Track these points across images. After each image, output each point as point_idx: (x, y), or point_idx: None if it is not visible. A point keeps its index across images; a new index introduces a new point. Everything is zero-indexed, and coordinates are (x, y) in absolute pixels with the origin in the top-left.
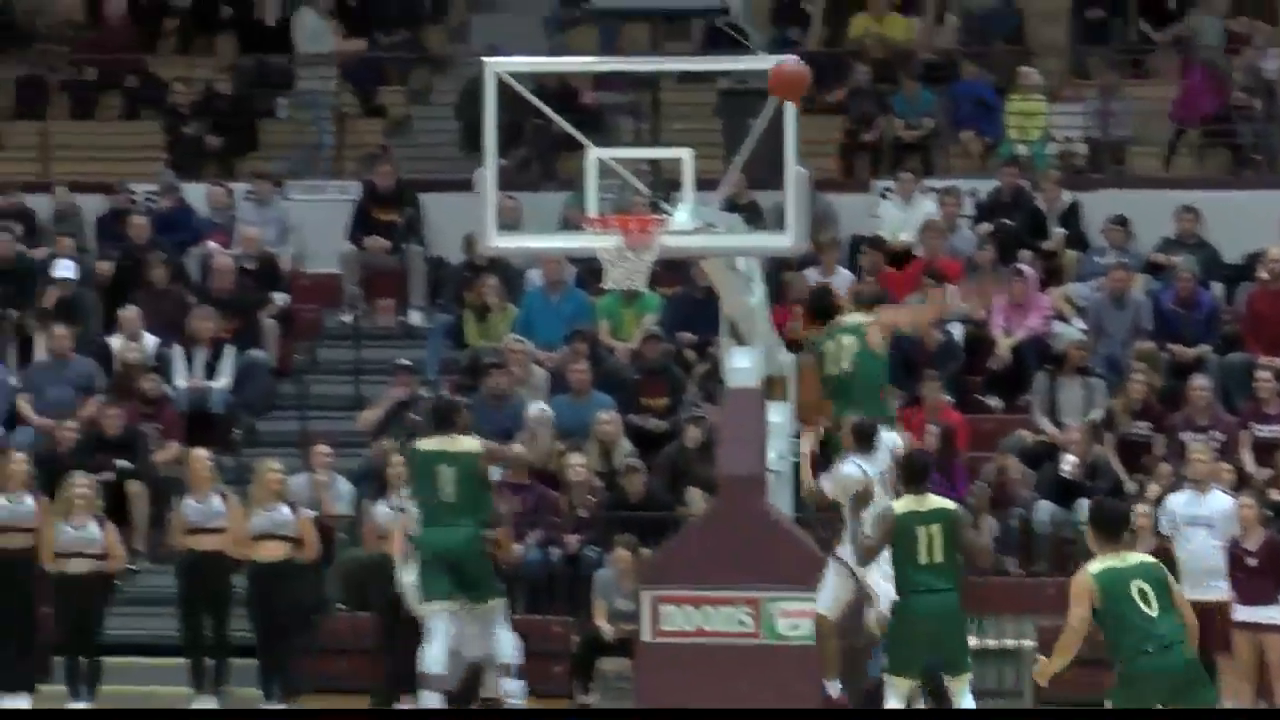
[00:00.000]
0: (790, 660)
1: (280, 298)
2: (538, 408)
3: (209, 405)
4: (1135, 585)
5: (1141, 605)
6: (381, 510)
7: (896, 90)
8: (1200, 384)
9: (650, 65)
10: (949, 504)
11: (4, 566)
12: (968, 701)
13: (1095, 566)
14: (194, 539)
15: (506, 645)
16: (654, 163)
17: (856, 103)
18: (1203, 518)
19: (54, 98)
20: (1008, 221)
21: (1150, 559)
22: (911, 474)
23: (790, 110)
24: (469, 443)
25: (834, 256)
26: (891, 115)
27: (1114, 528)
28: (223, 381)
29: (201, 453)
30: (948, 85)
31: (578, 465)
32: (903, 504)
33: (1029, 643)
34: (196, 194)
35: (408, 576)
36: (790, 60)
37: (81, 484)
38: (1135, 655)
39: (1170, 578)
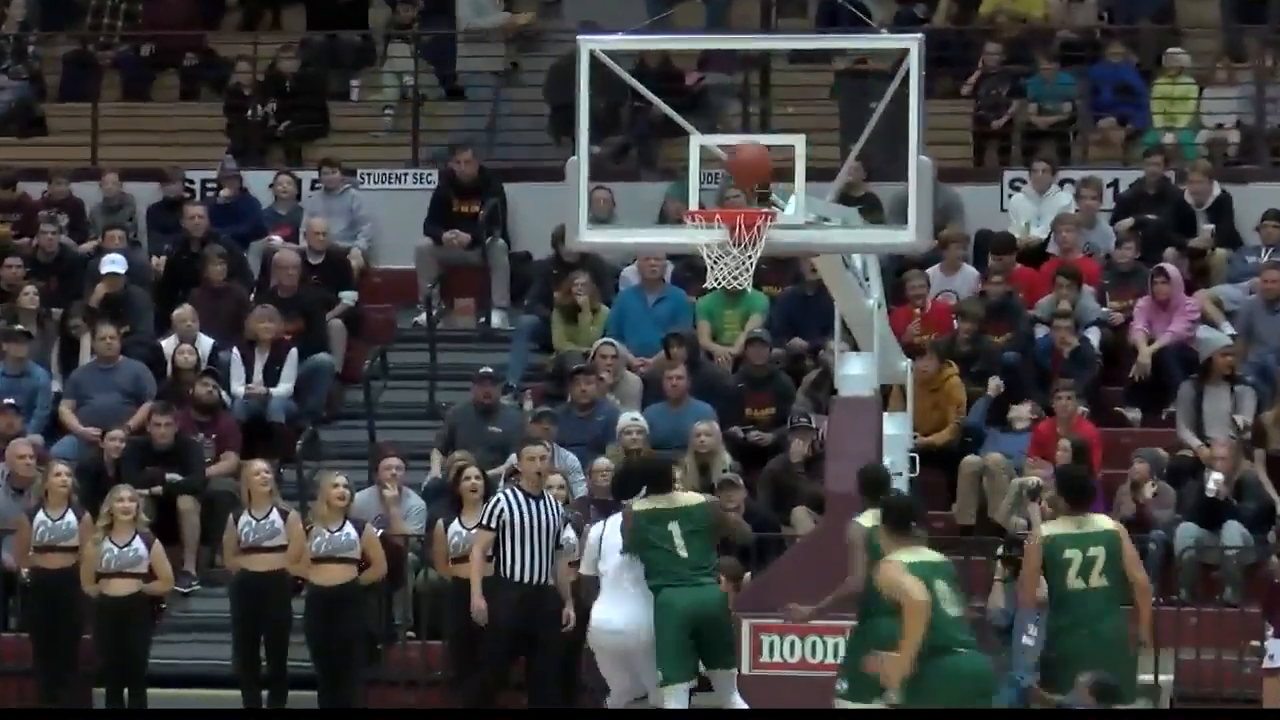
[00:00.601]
0: None
1: (348, 296)
2: (630, 418)
3: (268, 413)
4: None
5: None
6: (455, 530)
7: (1031, 72)
8: None
9: (761, 43)
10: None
11: (43, 589)
12: None
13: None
14: (249, 559)
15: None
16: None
17: (986, 86)
18: None
19: (105, 77)
20: (1151, 216)
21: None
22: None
23: (914, 94)
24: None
25: (958, 254)
26: (1025, 100)
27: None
28: (284, 387)
29: (259, 465)
30: (1087, 67)
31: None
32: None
33: (1167, 677)
34: (259, 183)
35: (480, 602)
36: (749, 147)
37: (127, 498)
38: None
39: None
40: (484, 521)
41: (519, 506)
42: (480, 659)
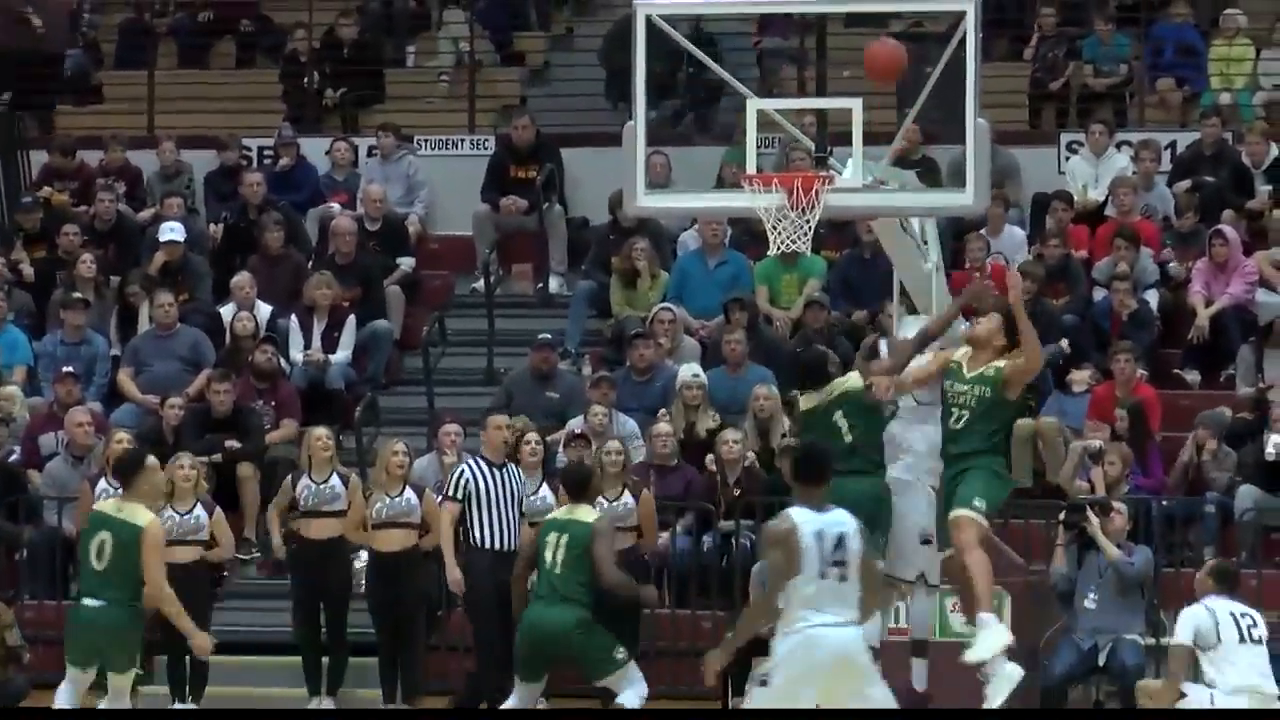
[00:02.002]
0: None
1: (406, 263)
2: (690, 372)
3: (327, 380)
4: None
5: None
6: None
7: (1088, 34)
8: None
9: (817, 6)
10: None
11: None
12: None
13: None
14: (308, 524)
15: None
16: (820, 114)
17: (1043, 48)
18: None
19: (161, 45)
20: (1209, 178)
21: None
22: None
23: (971, 56)
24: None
25: (1001, 215)
26: (1081, 62)
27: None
28: (343, 354)
29: (321, 430)
30: (1149, 28)
31: (732, 443)
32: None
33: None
34: (316, 149)
35: (455, 573)
36: (886, 41)
37: (188, 466)
38: None
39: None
40: (449, 493)
41: (483, 476)
42: (475, 628)
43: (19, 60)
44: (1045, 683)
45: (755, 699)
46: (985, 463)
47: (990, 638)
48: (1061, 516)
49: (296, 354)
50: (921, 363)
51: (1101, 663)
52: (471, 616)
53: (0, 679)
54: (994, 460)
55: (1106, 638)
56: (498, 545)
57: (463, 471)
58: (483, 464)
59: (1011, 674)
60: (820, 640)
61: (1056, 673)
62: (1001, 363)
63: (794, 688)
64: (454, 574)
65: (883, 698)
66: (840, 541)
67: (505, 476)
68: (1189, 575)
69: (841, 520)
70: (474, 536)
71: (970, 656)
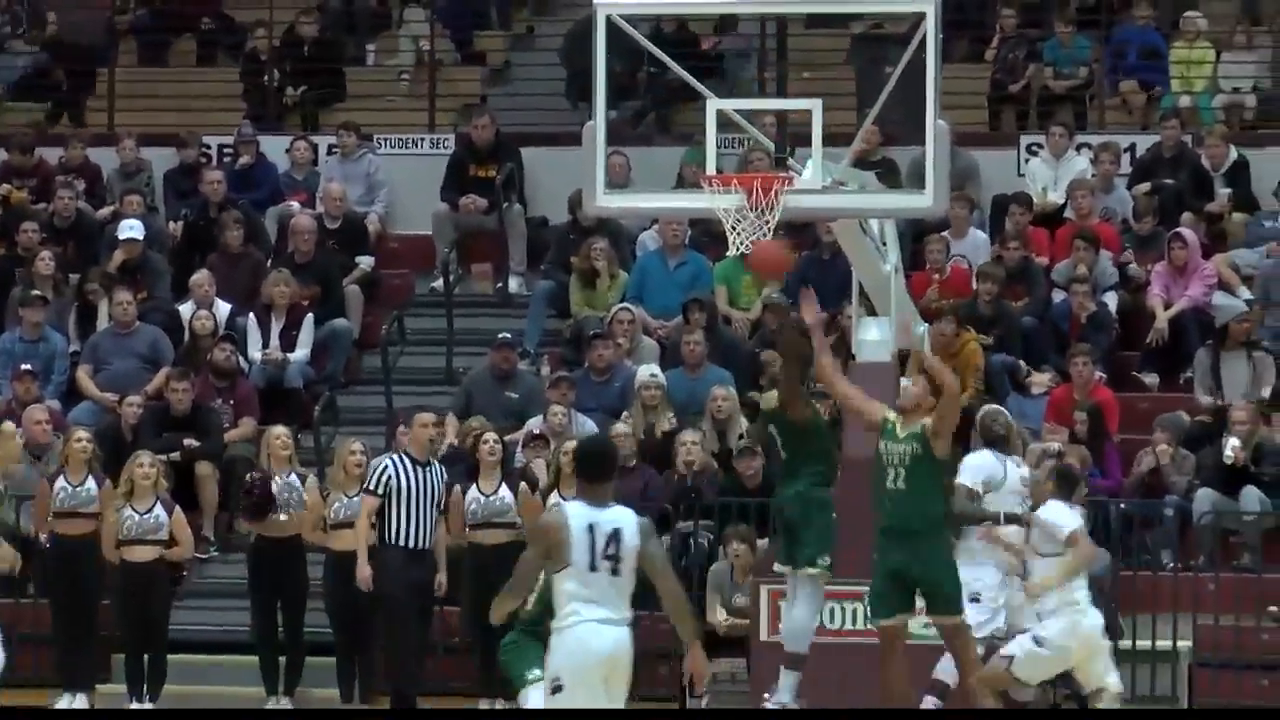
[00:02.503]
0: (925, 664)
1: (365, 261)
2: (649, 373)
3: (286, 379)
4: None
5: None
6: (473, 496)
7: (1049, 36)
8: None
9: (777, 7)
10: None
11: (64, 555)
12: None
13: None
14: (266, 525)
15: None
16: (780, 114)
17: (1004, 50)
18: None
19: (121, 42)
20: (1169, 181)
21: None
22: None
23: (931, 58)
24: None
25: (964, 216)
26: (1041, 64)
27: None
28: (301, 353)
29: (280, 430)
30: (1107, 30)
31: (690, 444)
32: None
33: (1185, 644)
34: (276, 148)
35: (365, 570)
36: (769, 243)
37: (147, 464)
38: None
39: None
40: (369, 487)
41: (406, 473)
42: (387, 626)
43: None
44: None
45: (533, 698)
46: (944, 544)
47: None
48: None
49: (255, 353)
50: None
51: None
52: (385, 614)
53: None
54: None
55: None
56: (412, 543)
57: (385, 467)
58: (406, 461)
59: None
60: (593, 635)
61: None
62: (928, 420)
63: (574, 688)
64: (364, 570)
65: (621, 696)
66: (615, 536)
67: (427, 475)
68: (1147, 579)
69: (619, 517)
70: (389, 533)
71: None
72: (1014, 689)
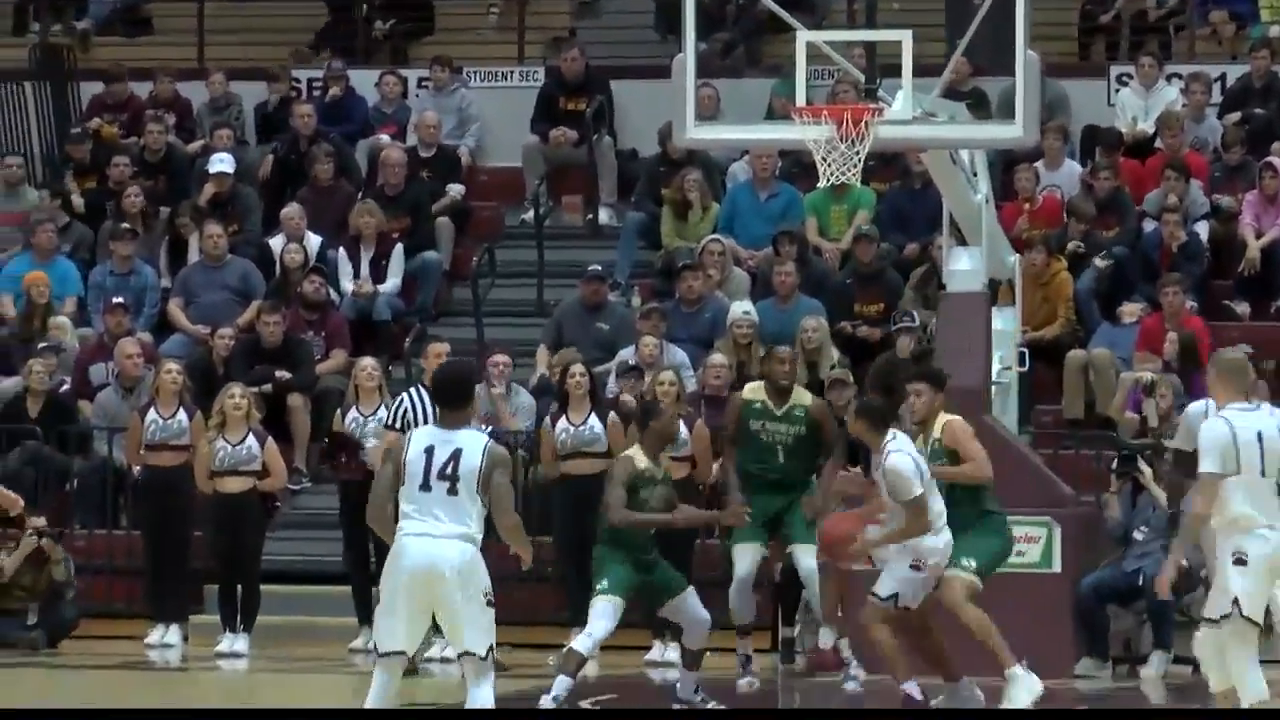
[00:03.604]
0: (1017, 587)
1: (455, 189)
2: (741, 309)
3: (374, 311)
4: None
5: None
6: (563, 427)
7: None
8: None
9: None
10: None
11: (156, 486)
12: None
13: None
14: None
15: None
16: (869, 46)
17: None
18: None
19: None
20: (1259, 110)
21: None
22: None
23: None
24: None
25: (1058, 147)
26: None
27: None
28: (391, 284)
29: (368, 361)
30: None
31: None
32: None
33: None
34: (365, 82)
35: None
36: (840, 519)
37: (239, 396)
38: None
39: None
40: (389, 422)
41: (423, 405)
42: None
43: None
44: (1081, 592)
45: (376, 615)
46: (975, 521)
47: (1024, 691)
48: (1114, 466)
49: (345, 284)
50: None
51: (1140, 583)
52: None
53: (47, 611)
54: (988, 519)
55: (1152, 561)
56: None
57: (401, 401)
58: (424, 393)
59: (1033, 687)
60: (407, 548)
61: (1089, 582)
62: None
63: (391, 599)
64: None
65: (461, 609)
66: (455, 457)
67: None
68: None
69: (463, 439)
70: None
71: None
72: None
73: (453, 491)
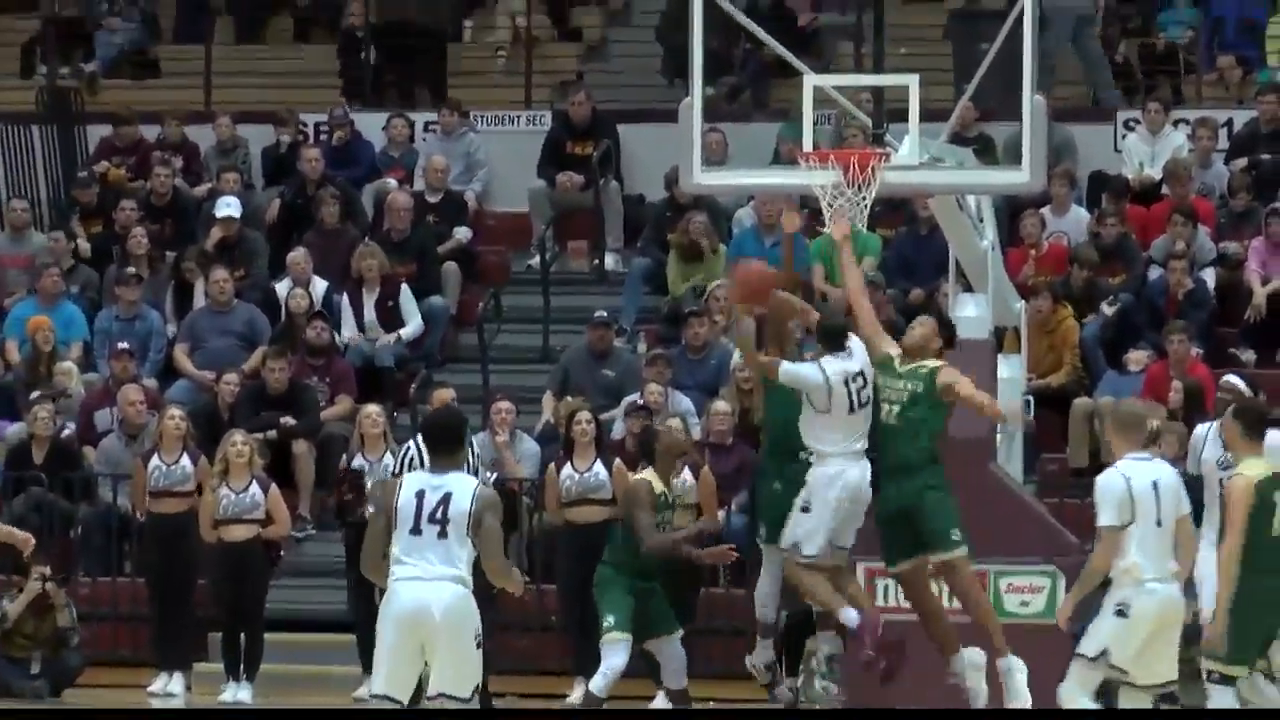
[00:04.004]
0: (1020, 640)
1: (462, 232)
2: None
3: (376, 358)
4: None
5: None
6: (568, 474)
7: (1164, 5)
8: None
9: None
10: None
11: (159, 533)
12: None
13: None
14: (363, 502)
15: None
16: (876, 91)
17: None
18: None
19: (218, 19)
20: (1266, 156)
21: None
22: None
23: (1028, 33)
24: None
25: (1064, 192)
26: (1155, 30)
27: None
28: (413, 326)
29: (373, 408)
30: (1207, 4)
31: None
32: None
33: None
34: (372, 126)
35: None
36: (751, 263)
37: (242, 442)
38: None
39: None
40: (395, 471)
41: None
42: None
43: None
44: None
45: (373, 661)
46: (939, 480)
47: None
48: None
49: (348, 331)
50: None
51: None
52: None
53: (51, 659)
54: (941, 479)
55: None
56: None
57: (408, 449)
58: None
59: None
60: (399, 592)
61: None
62: (935, 363)
63: (383, 643)
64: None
65: (450, 653)
66: (444, 500)
67: None
68: None
69: (453, 483)
70: None
71: (1019, 703)
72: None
73: (443, 535)
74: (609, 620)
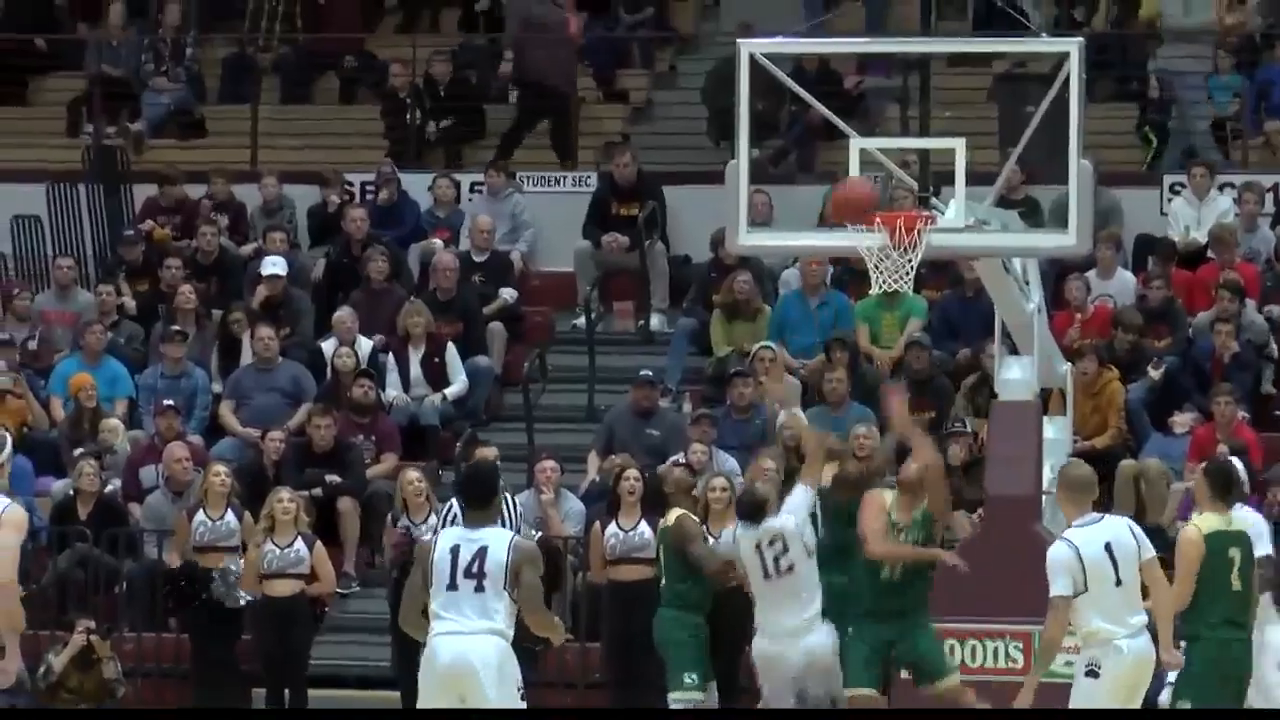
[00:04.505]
0: (1066, 701)
1: (508, 293)
2: (788, 414)
3: (421, 417)
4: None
5: None
6: (612, 532)
7: (1207, 73)
8: None
9: (920, 46)
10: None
11: (205, 590)
12: None
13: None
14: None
15: None
16: (923, 153)
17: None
18: None
19: (264, 80)
20: None
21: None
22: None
23: (1075, 97)
24: None
25: (1110, 256)
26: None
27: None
28: (459, 384)
29: (413, 474)
30: (1251, 70)
31: None
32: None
33: None
34: (418, 186)
35: None
36: (856, 180)
37: (288, 499)
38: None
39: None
40: (439, 527)
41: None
42: None
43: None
44: None
45: None
46: (926, 620)
47: None
48: None
49: (392, 391)
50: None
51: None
52: None
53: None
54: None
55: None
56: None
57: (450, 506)
58: None
59: None
60: (438, 647)
61: None
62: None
63: (426, 699)
64: None
65: (494, 704)
66: (480, 554)
67: None
68: None
69: (489, 537)
70: None
71: None
72: None
73: (480, 589)
74: (692, 677)
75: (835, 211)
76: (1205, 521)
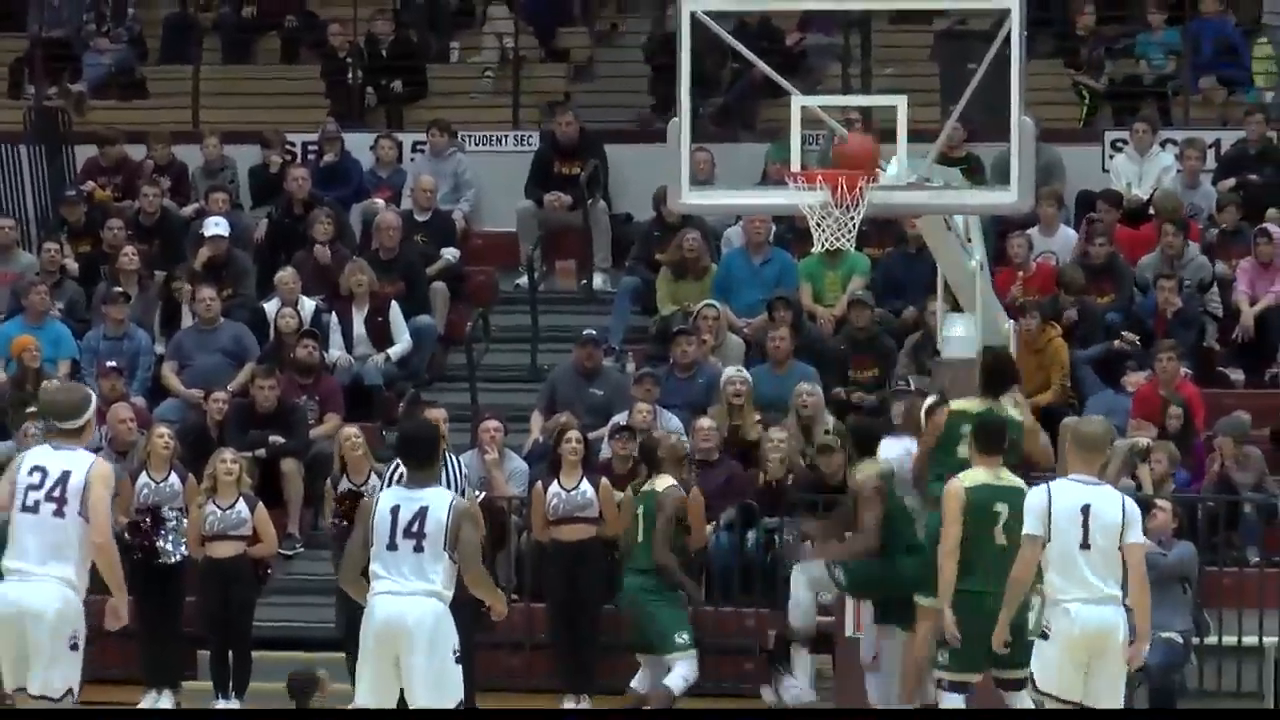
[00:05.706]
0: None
1: (450, 253)
2: (733, 370)
3: (366, 376)
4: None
5: None
6: (554, 492)
7: (1137, 31)
8: None
9: (861, 4)
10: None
11: (159, 535)
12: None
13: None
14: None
15: None
16: (864, 111)
17: (1088, 48)
18: None
19: (205, 40)
20: (1253, 176)
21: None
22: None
23: (1015, 54)
24: None
25: (1054, 215)
26: (1133, 58)
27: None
28: (403, 343)
29: (351, 430)
30: (1185, 25)
31: (777, 441)
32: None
33: (1272, 639)
34: (360, 145)
35: None
36: (859, 138)
37: (230, 460)
38: None
39: None
40: (380, 487)
41: None
42: None
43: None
44: None
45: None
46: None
47: None
48: None
49: (335, 351)
50: None
51: None
52: None
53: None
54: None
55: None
56: None
57: (396, 466)
58: None
59: None
60: (375, 607)
61: None
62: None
63: (363, 658)
64: None
65: (426, 667)
66: (420, 515)
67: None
68: (1232, 574)
69: (429, 497)
70: None
71: None
72: None
73: (419, 549)
74: (683, 636)
75: (836, 163)
76: (969, 476)
